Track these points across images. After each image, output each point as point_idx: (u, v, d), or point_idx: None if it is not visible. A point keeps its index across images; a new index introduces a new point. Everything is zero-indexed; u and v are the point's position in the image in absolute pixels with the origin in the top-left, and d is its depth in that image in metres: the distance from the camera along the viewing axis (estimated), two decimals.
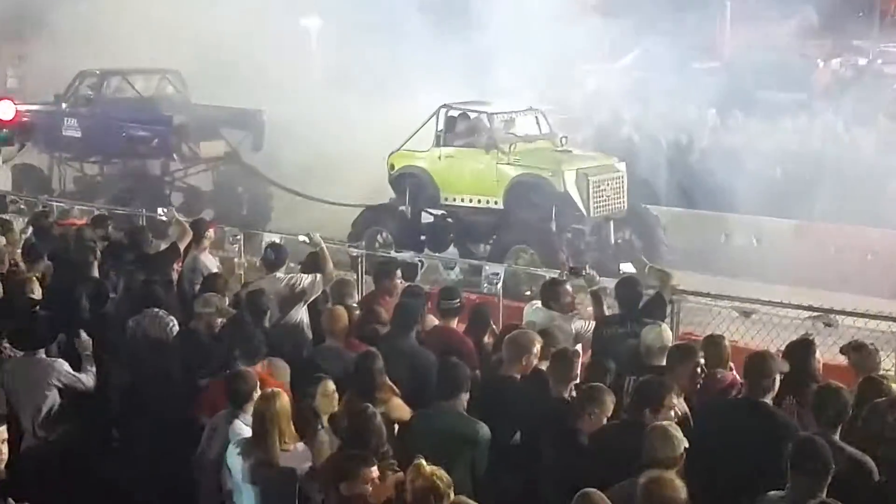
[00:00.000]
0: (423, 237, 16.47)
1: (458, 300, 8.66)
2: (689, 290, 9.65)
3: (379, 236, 16.45)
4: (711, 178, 17.81)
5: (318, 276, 9.53)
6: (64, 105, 19.62)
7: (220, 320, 8.55)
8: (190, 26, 21.89)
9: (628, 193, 16.02)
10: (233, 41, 21.98)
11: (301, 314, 9.37)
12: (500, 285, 10.59)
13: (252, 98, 20.14)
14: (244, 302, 8.82)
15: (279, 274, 9.62)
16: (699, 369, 7.31)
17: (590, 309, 9.13)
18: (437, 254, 15.39)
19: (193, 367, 7.90)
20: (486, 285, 10.72)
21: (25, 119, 19.93)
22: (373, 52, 24.78)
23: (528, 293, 14.01)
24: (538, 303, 9.10)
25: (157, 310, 8.76)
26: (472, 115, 16.50)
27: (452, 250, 16.88)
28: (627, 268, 9.74)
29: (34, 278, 9.71)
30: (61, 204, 15.48)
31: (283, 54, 23.76)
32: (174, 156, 18.94)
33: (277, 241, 11.15)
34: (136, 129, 18.81)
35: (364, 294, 10.14)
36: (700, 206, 17.81)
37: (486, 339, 8.70)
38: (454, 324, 8.68)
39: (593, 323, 8.81)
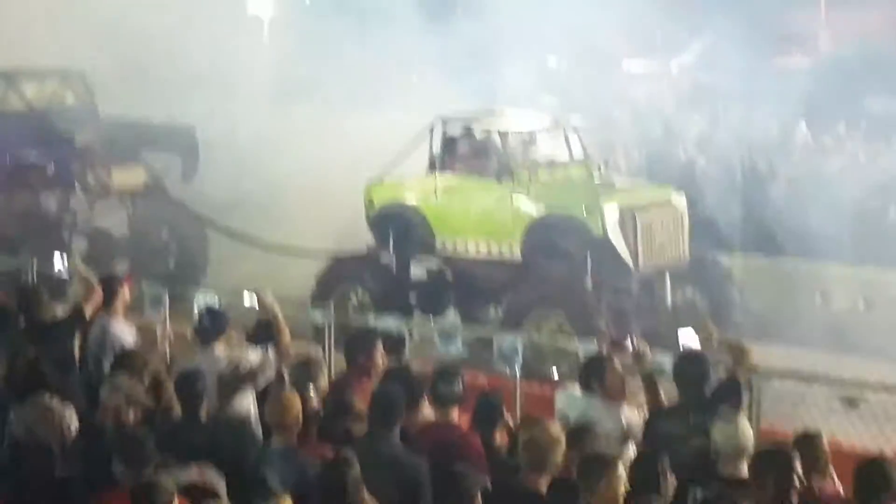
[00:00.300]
0: (413, 298, 16.50)
1: (459, 384, 8.68)
2: (774, 370, 9.64)
3: (353, 296, 16.48)
4: (802, 217, 17.87)
5: (271, 351, 9.53)
6: None
7: (132, 412, 8.55)
8: (98, 14, 22.11)
9: (690, 237, 16.07)
10: (156, 35, 22.19)
11: (247, 404, 9.36)
12: (518, 363, 10.59)
13: (181, 110, 20.25)
14: (175, 386, 8.81)
15: (218, 349, 9.62)
16: (794, 480, 7.28)
17: (642, 396, 9.13)
18: (432, 320, 15.38)
19: (97, 479, 7.86)
20: (499, 363, 10.72)
21: None
22: (343, 47, 25.07)
23: (556, 373, 14.06)
24: (574, 387, 9.10)
25: (48, 397, 8.74)
26: (479, 133, 16.59)
27: (453, 315, 16.90)
28: (689, 338, 9.74)
29: None
30: None
31: (223, 52, 23.99)
32: (77, 187, 18.97)
33: (214, 303, 11.12)
34: (26, 151, 18.86)
35: (332, 377, 10.13)
36: (787, 254, 17.87)
37: (499, 436, 8.69)
38: (454, 416, 8.68)
39: (646, 414, 8.81)
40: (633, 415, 8.86)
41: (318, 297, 15.92)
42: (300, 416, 8.26)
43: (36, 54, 20.66)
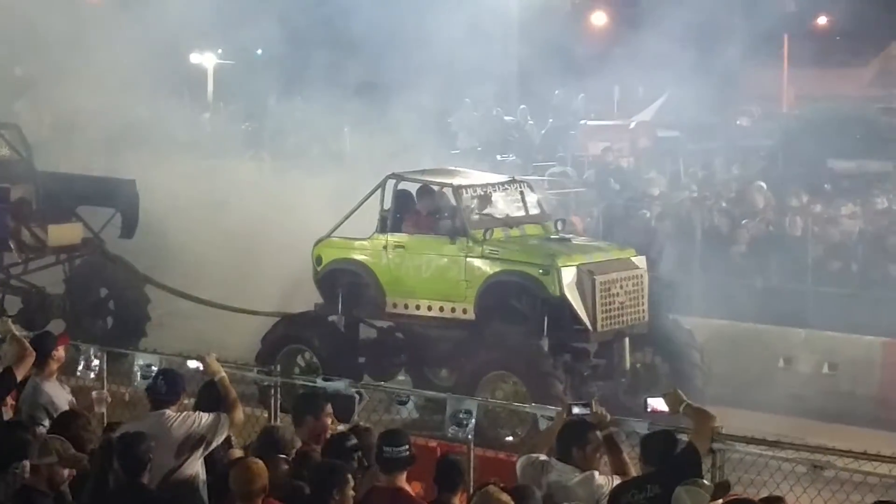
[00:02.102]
0: (361, 359, 16.45)
1: (406, 447, 8.66)
2: (737, 436, 9.66)
3: (300, 357, 16.41)
4: (765, 280, 17.98)
5: (223, 415, 9.50)
6: None
7: (67, 472, 8.46)
8: (35, 65, 22.10)
9: (650, 299, 16.11)
10: (93, 84, 22.18)
11: (195, 468, 9.27)
12: (471, 427, 10.54)
13: (119, 164, 20.20)
14: (115, 449, 8.72)
15: (169, 411, 9.56)
16: None
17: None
18: (382, 382, 15.32)
19: None
20: (451, 428, 10.67)
21: None
22: (293, 102, 25.17)
23: (510, 439, 14.03)
24: (541, 456, 9.09)
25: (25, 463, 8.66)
26: (432, 190, 16.61)
27: (403, 377, 16.85)
28: (658, 405, 9.75)
29: None
30: None
31: (163, 102, 24.03)
32: (10, 244, 18.81)
33: (154, 363, 11.06)
34: None
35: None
36: (749, 317, 17.94)
37: (458, 501, 8.66)
38: (401, 482, 8.65)
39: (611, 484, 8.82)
40: (605, 482, 8.86)
41: (263, 357, 15.85)
42: (267, 485, 8.24)
43: None
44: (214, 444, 9.47)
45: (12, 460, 8.65)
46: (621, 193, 22.77)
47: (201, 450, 9.39)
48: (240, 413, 9.69)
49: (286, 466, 8.93)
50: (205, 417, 9.50)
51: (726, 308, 18.11)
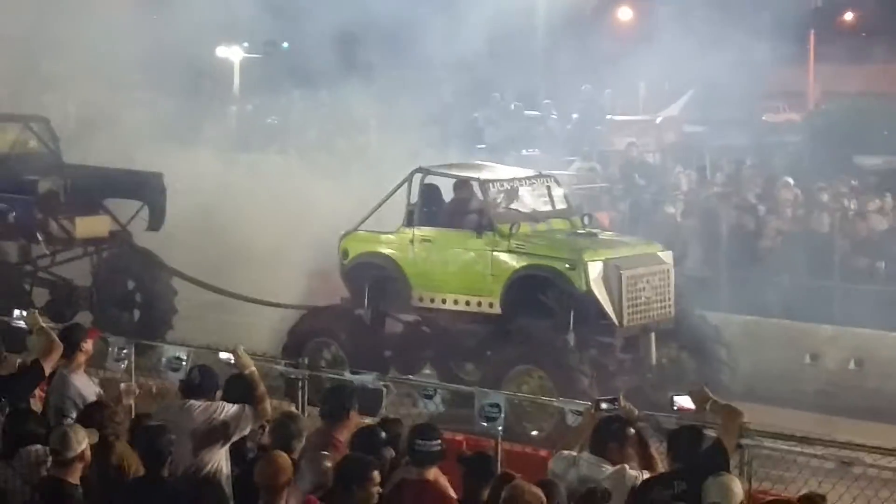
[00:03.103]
0: (387, 353, 16.44)
1: (438, 441, 8.67)
2: (765, 432, 9.62)
3: (325, 351, 16.39)
4: (792, 276, 17.90)
5: (248, 407, 9.49)
6: None
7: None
8: (64, 60, 22.15)
9: (676, 294, 16.06)
10: (120, 77, 22.23)
11: (219, 459, 9.26)
12: (500, 422, 10.54)
13: (146, 157, 20.22)
14: (136, 442, 8.73)
15: (193, 401, 9.57)
16: None
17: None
18: (409, 376, 15.32)
19: None
20: (481, 422, 10.66)
21: None
22: (319, 94, 25.20)
23: (536, 433, 14.01)
24: (570, 452, 9.08)
25: (37, 447, 8.71)
26: (459, 183, 16.59)
27: (429, 371, 16.84)
28: (685, 402, 9.73)
29: None
30: None
31: (188, 97, 24.07)
32: (38, 236, 18.88)
33: (183, 356, 11.07)
34: None
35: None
36: (776, 313, 17.88)
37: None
38: (432, 475, 8.64)
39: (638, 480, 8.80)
40: (636, 475, 8.85)
41: (290, 350, 15.86)
42: (291, 478, 8.24)
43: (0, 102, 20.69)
44: (237, 436, 9.49)
45: (20, 446, 8.72)
46: (647, 188, 22.72)
47: (223, 440, 9.41)
48: (268, 406, 9.69)
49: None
50: (228, 408, 9.53)
51: (753, 304, 18.07)
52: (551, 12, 29.91)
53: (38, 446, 8.82)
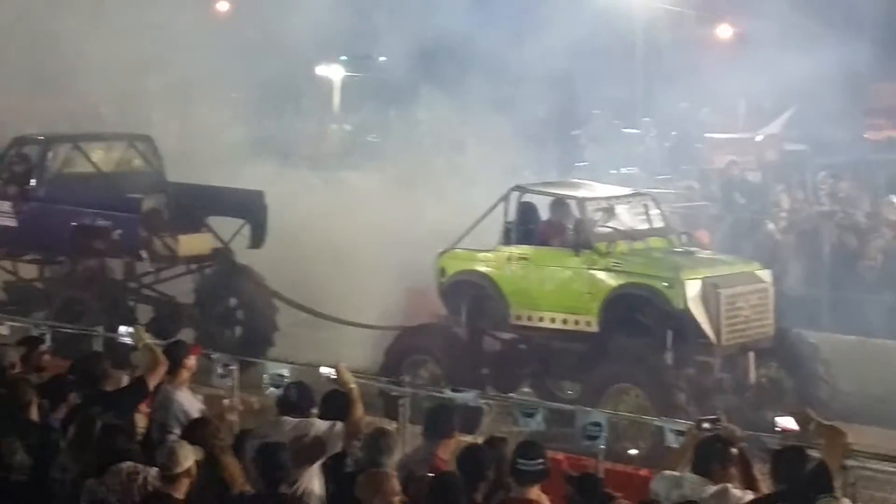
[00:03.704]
0: (485, 371, 16.45)
1: (541, 460, 8.64)
2: (869, 453, 9.52)
3: (423, 369, 16.44)
4: (893, 295, 17.67)
5: (340, 424, 9.55)
6: None
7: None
8: (166, 79, 22.48)
9: (775, 314, 15.92)
10: (222, 96, 22.51)
11: (310, 477, 9.29)
12: (603, 440, 10.52)
13: (245, 175, 20.42)
14: (254, 459, 8.82)
15: (287, 418, 9.65)
16: None
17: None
18: (506, 394, 15.31)
19: None
20: (583, 441, 10.64)
21: None
22: (416, 112, 25.32)
23: (633, 451, 13.94)
24: (672, 472, 9.03)
25: (129, 464, 8.79)
26: (556, 202, 16.59)
27: (527, 389, 16.83)
28: (787, 423, 9.66)
29: None
30: None
31: (289, 115, 24.31)
32: (142, 254, 19.10)
33: (285, 373, 11.17)
34: (92, 216, 19.06)
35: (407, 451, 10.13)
36: (880, 334, 17.67)
37: None
38: (534, 495, 8.63)
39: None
40: (739, 495, 8.79)
41: (387, 369, 15.93)
42: (399, 495, 8.27)
43: (106, 119, 21.00)
44: (328, 454, 9.48)
45: (112, 462, 8.81)
46: (747, 207, 22.55)
47: (313, 458, 9.41)
48: (363, 425, 9.71)
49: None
50: (320, 425, 9.55)
51: (856, 324, 17.86)
52: (650, 30, 29.86)
53: (130, 463, 8.89)
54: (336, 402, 9.85)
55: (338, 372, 9.95)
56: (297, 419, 9.64)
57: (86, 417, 9.63)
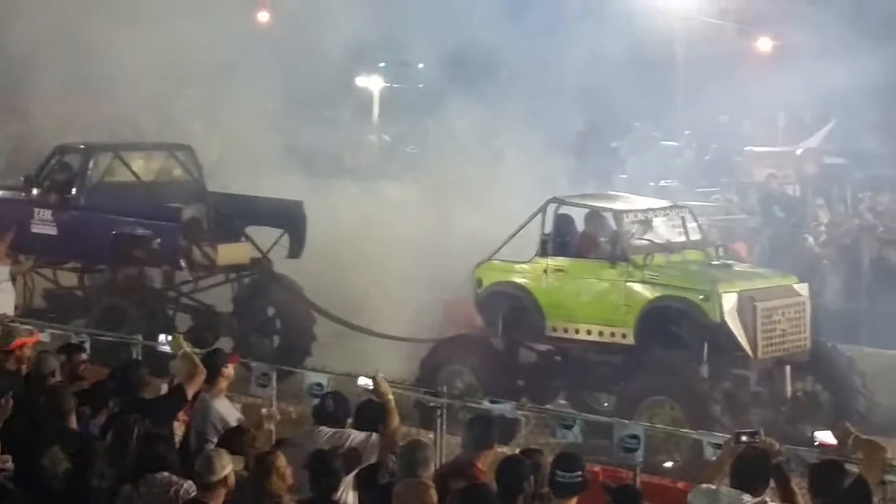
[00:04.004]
0: (521, 382, 16.48)
1: (579, 472, 8.67)
2: None
3: (459, 379, 16.46)
4: None
5: (375, 435, 9.59)
6: (35, 191, 20.09)
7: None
8: (207, 90, 22.63)
9: (812, 328, 15.90)
10: (262, 106, 22.63)
11: (345, 487, 9.33)
12: (640, 453, 10.54)
13: (283, 184, 20.50)
14: (307, 466, 8.87)
15: (323, 427, 9.70)
16: None
17: None
18: (549, 406, 15.34)
19: None
20: (620, 453, 10.66)
21: None
22: (453, 123, 25.38)
23: (669, 464, 13.96)
24: (709, 485, 9.04)
25: (165, 474, 8.87)
26: (593, 214, 16.62)
27: (563, 401, 16.85)
28: (826, 438, 9.64)
29: None
30: (28, 327, 15.64)
31: (325, 126, 24.39)
32: (181, 262, 19.15)
33: (324, 382, 11.23)
34: (132, 225, 19.17)
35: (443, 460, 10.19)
36: None
37: None
38: None
39: None
40: None
41: (423, 380, 15.96)
42: None
43: (146, 128, 21.14)
44: (363, 465, 9.50)
45: (150, 470, 8.89)
46: (786, 220, 22.50)
47: (349, 468, 9.40)
48: (399, 435, 9.77)
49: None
50: (356, 436, 9.62)
51: (893, 339, 17.79)
52: (690, 42, 29.83)
53: (166, 474, 8.93)
54: (370, 412, 9.93)
55: (375, 383, 10.00)
56: (333, 429, 9.70)
57: (123, 424, 9.70)
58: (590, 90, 24.13)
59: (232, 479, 8.70)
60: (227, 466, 8.67)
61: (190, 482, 8.81)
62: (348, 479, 9.39)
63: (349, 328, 19.15)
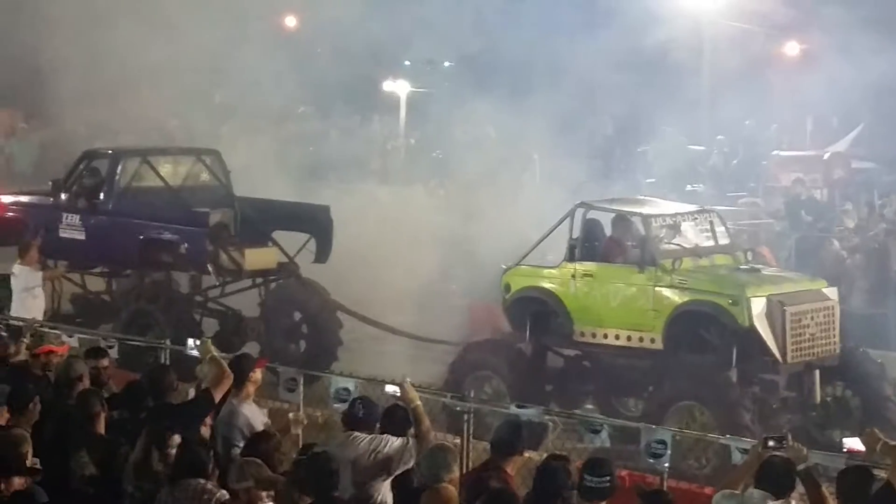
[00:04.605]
0: (549, 387, 16.44)
1: (608, 477, 8.65)
2: None
3: (487, 384, 16.45)
4: None
5: (412, 440, 9.58)
6: (63, 196, 20.15)
7: (266, 495, 8.61)
8: (234, 96, 22.69)
9: (841, 332, 15.81)
10: (288, 111, 22.67)
11: (383, 492, 9.34)
12: (667, 458, 10.47)
13: (307, 189, 20.51)
14: (304, 469, 8.86)
15: (358, 433, 9.69)
16: None
17: None
18: (576, 411, 15.25)
19: None
20: (648, 458, 10.59)
21: (11, 214, 20.50)
22: (481, 127, 25.36)
23: (700, 471, 13.88)
24: (734, 490, 8.98)
25: (201, 482, 8.85)
26: (621, 218, 16.58)
27: (591, 406, 16.80)
28: (854, 444, 9.57)
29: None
30: (55, 331, 15.64)
31: (352, 130, 24.41)
32: (209, 267, 19.15)
33: (351, 387, 11.20)
34: (159, 230, 19.18)
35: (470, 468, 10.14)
36: None
37: None
38: None
39: None
40: None
41: (451, 384, 15.94)
42: None
43: (174, 135, 21.19)
44: (400, 470, 9.53)
45: (186, 476, 8.87)
46: (814, 225, 22.40)
47: (387, 473, 9.48)
48: (430, 441, 9.72)
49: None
50: (393, 441, 9.60)
51: None
52: (718, 47, 29.75)
53: (202, 480, 8.90)
54: (397, 417, 9.92)
55: (402, 389, 9.99)
56: (369, 435, 9.69)
57: (153, 429, 9.71)
58: (617, 94, 24.10)
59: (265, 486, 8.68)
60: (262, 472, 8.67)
61: (224, 492, 8.79)
62: (386, 485, 9.45)
63: (381, 329, 19.12)
